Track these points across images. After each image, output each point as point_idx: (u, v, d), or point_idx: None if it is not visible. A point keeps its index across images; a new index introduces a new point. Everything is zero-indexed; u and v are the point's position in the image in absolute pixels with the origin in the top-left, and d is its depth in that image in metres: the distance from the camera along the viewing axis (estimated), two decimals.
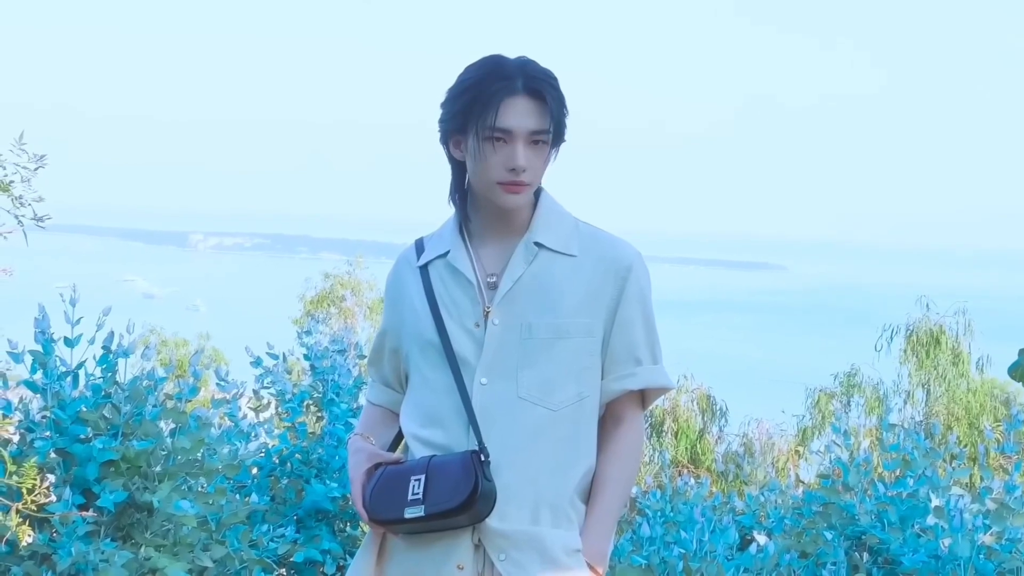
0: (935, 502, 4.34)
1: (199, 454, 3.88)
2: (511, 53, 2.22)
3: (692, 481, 5.21)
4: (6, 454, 3.42)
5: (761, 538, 4.31)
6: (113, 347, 3.81)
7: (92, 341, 3.81)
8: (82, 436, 3.65)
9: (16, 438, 3.72)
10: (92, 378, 3.82)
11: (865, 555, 4.49)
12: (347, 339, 5.17)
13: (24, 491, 3.34)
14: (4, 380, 3.76)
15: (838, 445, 4.93)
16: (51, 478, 3.54)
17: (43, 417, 3.68)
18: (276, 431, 4.77)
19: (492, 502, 2.11)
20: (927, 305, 16.22)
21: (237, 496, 4.21)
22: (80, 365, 3.80)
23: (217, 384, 4.36)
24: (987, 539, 4.16)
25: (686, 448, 14.94)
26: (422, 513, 2.12)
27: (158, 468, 3.74)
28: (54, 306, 3.75)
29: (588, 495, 2.22)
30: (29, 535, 3.55)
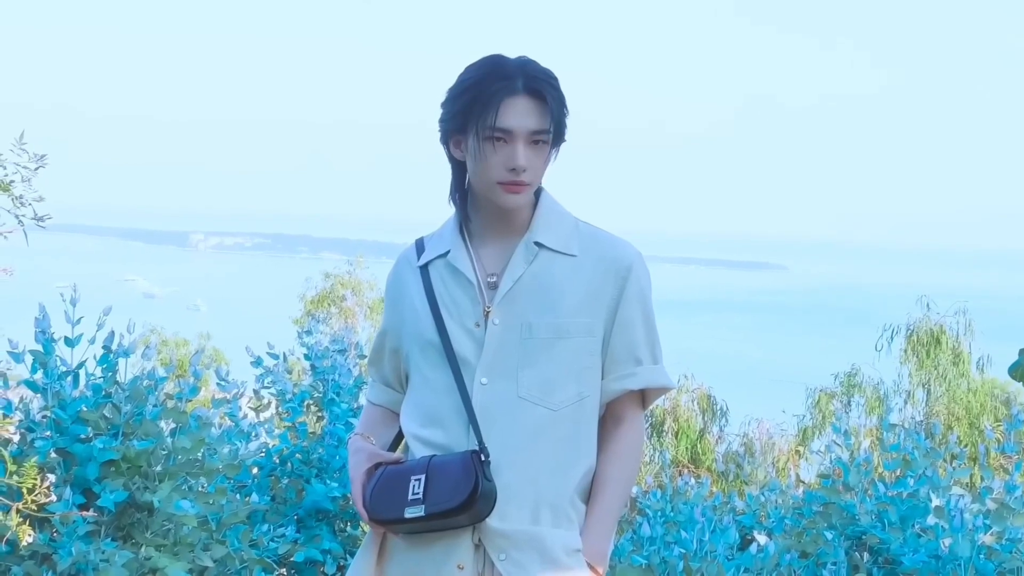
0: (935, 502, 4.34)
1: (199, 454, 3.88)
2: (511, 53, 2.22)
3: (692, 481, 5.21)
4: (6, 454, 3.42)
5: (761, 538, 4.31)
6: (114, 347, 3.81)
7: (92, 341, 3.81)
8: (82, 436, 3.65)
9: (16, 438, 3.72)
10: (92, 378, 3.82)
11: (865, 555, 4.49)
12: (347, 339, 5.17)
13: (24, 491, 3.34)
14: (5, 380, 3.76)
15: (838, 445, 4.93)
16: (51, 478, 3.54)
17: (43, 417, 3.69)
18: (276, 431, 4.77)
19: (492, 502, 2.11)
20: (927, 305, 16.22)
21: (237, 496, 4.21)
22: (80, 365, 3.80)
23: (217, 384, 4.36)
24: (987, 539, 4.16)
25: (686, 448, 14.93)
26: (422, 513, 2.12)
27: (158, 468, 3.74)
28: (54, 306, 3.75)
29: (588, 495, 2.22)
30: (29, 535, 3.55)
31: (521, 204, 2.22)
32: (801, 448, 15.25)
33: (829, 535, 4.46)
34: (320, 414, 4.95)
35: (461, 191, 2.27)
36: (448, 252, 2.26)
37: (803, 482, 7.72)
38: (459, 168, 2.25)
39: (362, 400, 4.75)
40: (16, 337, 3.83)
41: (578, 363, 2.20)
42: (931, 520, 4.28)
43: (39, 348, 3.72)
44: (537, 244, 2.23)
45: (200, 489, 3.93)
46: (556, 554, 2.14)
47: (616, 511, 2.22)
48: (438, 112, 2.22)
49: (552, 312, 2.20)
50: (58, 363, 3.75)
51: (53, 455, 3.63)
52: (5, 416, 3.70)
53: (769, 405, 16.46)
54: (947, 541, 4.14)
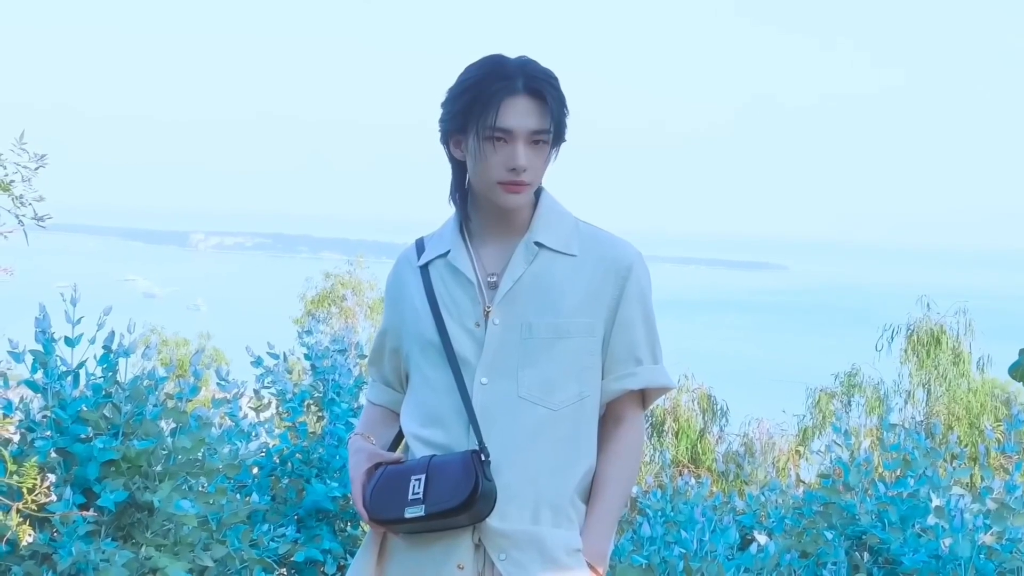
0: (936, 502, 4.34)
1: (200, 454, 3.88)
2: (511, 53, 2.22)
3: (692, 481, 5.21)
4: (7, 453, 3.42)
5: (762, 538, 4.31)
6: (114, 347, 3.81)
7: (93, 341, 3.81)
8: (83, 436, 3.65)
9: (17, 437, 3.72)
10: (93, 378, 3.82)
11: (866, 555, 4.49)
12: (348, 339, 5.16)
13: (25, 491, 3.34)
14: (5, 380, 3.76)
15: (839, 445, 4.93)
16: (52, 478, 3.54)
17: (44, 417, 3.69)
18: (277, 431, 4.77)
19: (492, 502, 2.11)
20: (928, 305, 16.21)
21: (238, 496, 4.21)
22: (81, 365, 3.80)
23: (218, 384, 4.36)
24: (988, 539, 4.16)
25: (687, 448, 14.93)
26: (422, 513, 2.12)
27: (159, 468, 3.74)
28: (55, 306, 3.75)
29: (589, 495, 2.22)
30: (30, 535, 3.55)
31: (521, 204, 2.22)
32: (801, 448, 15.24)
33: (829, 535, 4.46)
34: (320, 414, 4.95)
35: (461, 191, 2.27)
36: (448, 252, 2.26)
37: (803, 482, 7.73)
38: (459, 168, 2.25)
39: (362, 400, 4.75)
40: (16, 337, 3.83)
41: (578, 363, 2.21)
42: (931, 520, 4.28)
43: (39, 348, 3.72)
44: (537, 244, 2.23)
45: (200, 489, 3.93)
46: (556, 554, 2.14)
47: (616, 511, 2.23)
48: (438, 112, 2.22)
49: (552, 312, 2.20)
50: (58, 363, 3.75)
51: (53, 455, 3.63)
52: (5, 416, 3.70)
53: (769, 405, 16.46)
54: (947, 541, 4.14)
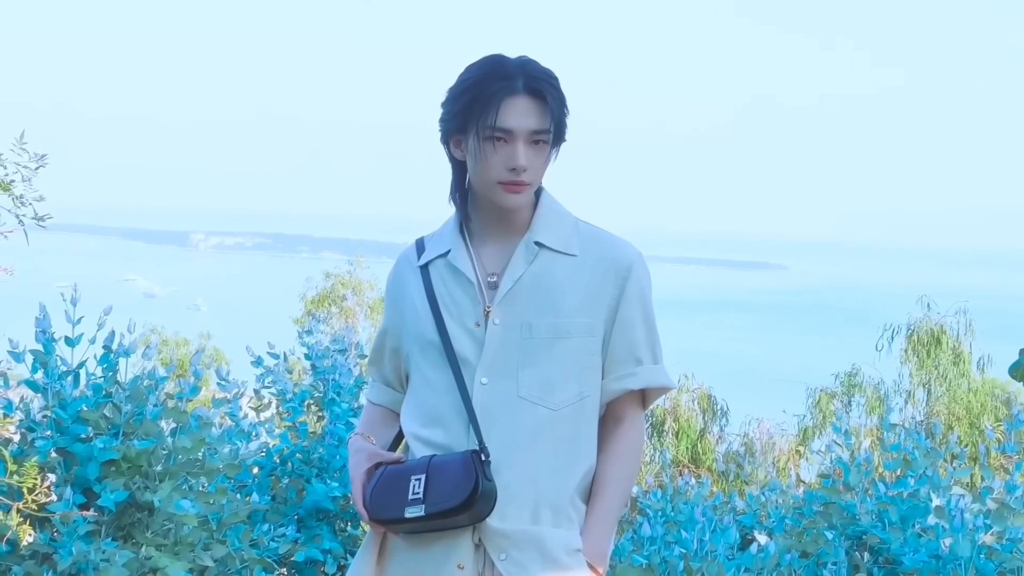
0: (936, 502, 4.34)
1: (200, 453, 3.88)
2: (511, 53, 2.22)
3: (693, 481, 5.21)
4: (7, 453, 3.42)
5: (762, 538, 4.31)
6: (114, 346, 3.81)
7: (93, 340, 3.81)
8: (83, 435, 3.65)
9: (17, 437, 3.72)
10: (93, 377, 3.82)
11: (866, 555, 4.49)
12: (348, 338, 5.16)
13: (25, 490, 3.34)
14: (5, 379, 3.76)
15: (839, 445, 4.93)
16: (52, 477, 3.53)
17: (44, 416, 3.69)
18: (277, 430, 4.77)
19: (492, 502, 2.11)
20: (928, 305, 16.22)
21: (238, 495, 4.21)
22: (81, 364, 3.80)
23: (218, 383, 4.36)
24: (988, 539, 4.16)
25: (687, 448, 14.93)
26: (422, 513, 2.12)
27: (159, 467, 3.74)
28: (55, 305, 3.75)
29: (589, 495, 2.22)
30: (30, 534, 3.55)
31: (521, 204, 2.22)
32: (801, 448, 15.25)
33: (829, 535, 4.46)
34: (320, 414, 4.95)
35: (461, 191, 2.27)
36: (448, 252, 2.26)
37: (803, 482, 7.72)
38: (459, 168, 2.25)
39: (362, 400, 4.75)
40: (17, 337, 3.83)
41: (578, 363, 2.21)
42: (931, 520, 4.28)
43: (39, 348, 3.72)
44: (537, 244, 2.23)
45: (200, 489, 3.93)
46: (556, 554, 2.14)
47: (616, 511, 2.23)
48: (438, 112, 2.22)
49: (552, 312, 2.20)
50: (58, 363, 3.75)
51: (53, 455, 3.63)
52: (6, 416, 3.70)
53: (769, 405, 16.46)
54: (947, 541, 4.14)
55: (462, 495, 2.09)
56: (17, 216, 3.82)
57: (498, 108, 2.13)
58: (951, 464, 5.20)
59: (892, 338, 16.10)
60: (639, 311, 2.25)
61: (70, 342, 3.76)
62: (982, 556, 4.11)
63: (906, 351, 16.13)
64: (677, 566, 4.12)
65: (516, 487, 2.14)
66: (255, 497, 4.19)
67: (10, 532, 3.35)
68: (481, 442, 2.14)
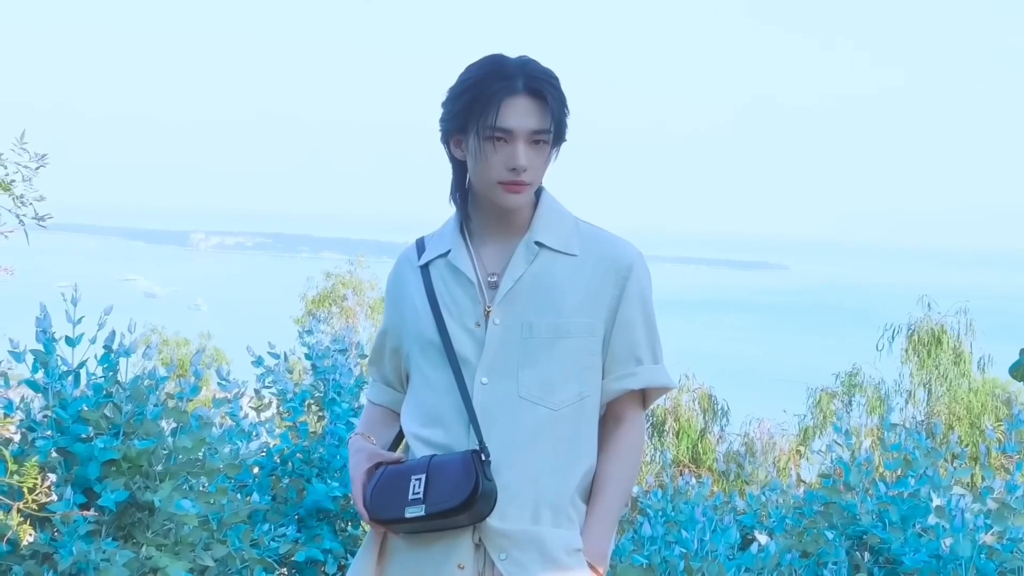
0: (936, 502, 4.33)
1: (200, 453, 3.88)
2: (512, 53, 2.21)
3: (693, 480, 5.21)
4: (7, 453, 3.42)
5: (762, 538, 4.31)
6: (114, 346, 3.81)
7: (93, 340, 3.81)
8: (83, 435, 3.65)
9: (17, 437, 3.72)
10: (93, 377, 3.82)
11: (866, 555, 4.49)
12: (348, 338, 5.16)
13: (25, 490, 3.34)
14: (6, 379, 3.76)
15: (839, 444, 4.93)
16: (52, 477, 3.54)
17: (44, 416, 3.69)
18: (277, 430, 4.77)
19: (493, 502, 2.10)
20: (928, 305, 16.23)
21: (238, 495, 4.21)
22: (81, 364, 3.80)
23: (218, 383, 4.36)
24: (988, 539, 4.16)
25: (687, 447, 14.94)
26: (423, 513, 2.12)
27: (159, 467, 3.74)
28: (55, 305, 3.75)
29: (589, 495, 2.22)
30: (30, 534, 3.55)
31: (521, 204, 2.22)
32: (802, 448, 15.25)
33: (830, 535, 4.46)
34: (321, 414, 4.95)
35: (462, 191, 2.27)
36: (449, 252, 2.26)
37: (804, 482, 7.72)
38: (460, 168, 2.25)
39: (363, 400, 4.75)
40: (17, 337, 3.83)
41: (578, 363, 2.20)
42: (932, 520, 4.28)
43: (40, 348, 3.72)
44: (538, 244, 2.23)
45: (201, 489, 3.93)
46: (556, 554, 2.14)
47: (617, 511, 2.22)
48: (438, 112, 2.22)
49: (553, 312, 2.20)
50: (59, 363, 3.75)
51: (54, 454, 3.63)
52: (6, 415, 3.70)
53: (770, 405, 16.46)
54: (948, 541, 4.14)
55: (462, 495, 2.09)
56: (18, 216, 3.82)
57: (498, 108, 2.13)
58: (952, 464, 5.19)
59: (893, 338, 16.11)
60: (639, 311, 2.25)
61: (71, 342, 3.76)
62: (983, 556, 4.11)
63: (907, 351, 16.14)
64: (677, 566, 4.12)
65: (516, 487, 2.14)
66: (255, 497, 4.19)
67: (10, 532, 3.35)
68: (481, 442, 2.14)
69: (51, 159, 3.84)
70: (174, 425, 3.83)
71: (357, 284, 23.88)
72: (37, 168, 3.81)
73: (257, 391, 4.87)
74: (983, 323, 16.68)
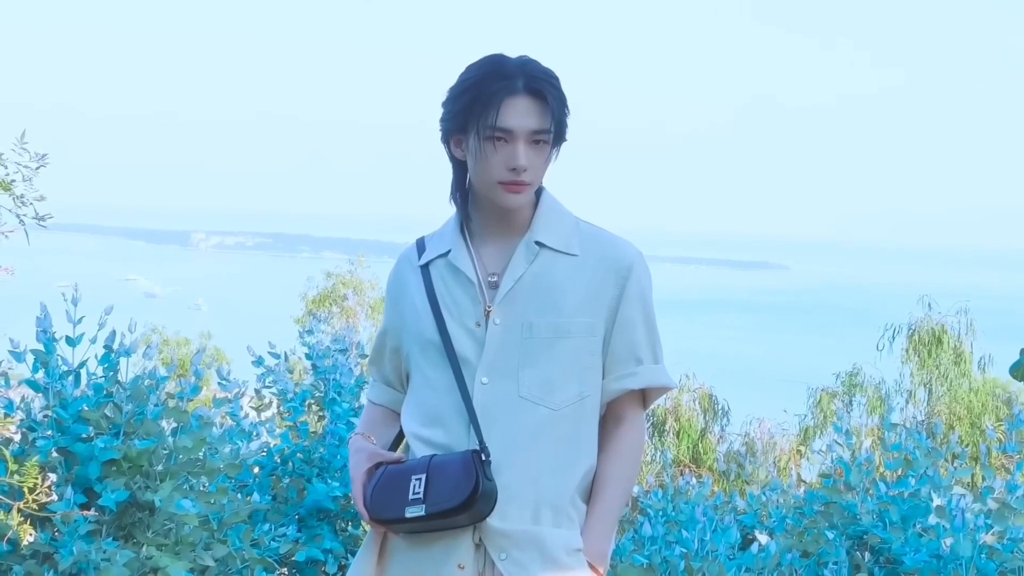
0: (937, 502, 4.33)
1: (201, 453, 3.88)
2: (512, 53, 2.21)
3: (694, 480, 5.20)
4: (8, 453, 3.42)
5: (763, 537, 4.31)
6: (115, 346, 3.81)
7: (94, 340, 3.81)
8: (84, 435, 3.65)
9: (18, 437, 3.72)
10: (94, 377, 3.82)
11: (867, 554, 4.49)
12: (349, 338, 5.16)
13: (26, 490, 3.34)
14: (6, 379, 3.76)
15: (840, 444, 4.93)
16: (53, 477, 3.54)
17: (45, 416, 3.69)
18: (278, 430, 4.77)
19: (493, 501, 2.10)
20: (929, 305, 16.23)
21: (239, 495, 4.21)
22: (82, 364, 3.80)
23: (219, 383, 4.36)
24: (989, 539, 4.16)
25: (688, 447, 14.94)
26: (423, 512, 2.12)
27: (160, 467, 3.74)
28: (56, 305, 3.75)
29: (589, 495, 2.22)
30: (31, 534, 3.56)
31: (522, 204, 2.22)
32: (802, 448, 15.25)
33: (830, 535, 4.46)
34: (321, 413, 4.95)
35: (462, 190, 2.27)
36: (449, 251, 2.26)
37: (804, 481, 7.72)
38: (460, 167, 2.25)
39: (363, 400, 4.75)
40: (17, 336, 3.83)
41: (579, 363, 2.20)
42: (932, 520, 4.28)
43: (40, 347, 3.72)
44: (538, 244, 2.23)
45: (201, 488, 3.93)
46: (557, 554, 2.14)
47: (617, 511, 2.22)
48: (438, 112, 2.22)
49: (553, 312, 2.20)
50: (59, 362, 3.75)
51: (54, 454, 3.63)
52: (7, 415, 3.70)
53: (770, 404, 16.46)
54: (948, 541, 4.14)
55: (462, 495, 2.09)
56: (18, 216, 3.82)
57: (498, 108, 2.13)
58: (952, 464, 5.19)
59: (893, 338, 16.11)
60: (639, 311, 2.25)
61: (71, 342, 3.76)
62: (983, 556, 4.11)
63: (907, 351, 16.14)
64: (678, 566, 4.12)
65: (516, 487, 2.14)
66: (256, 497, 4.19)
67: (11, 532, 3.35)
68: (481, 442, 2.14)
69: (51, 159, 3.84)
70: (174, 425, 3.83)
71: (357, 284, 23.89)
72: (37, 168, 3.81)
73: (257, 391, 4.87)
74: (983, 323, 16.69)
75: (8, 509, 3.35)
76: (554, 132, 2.18)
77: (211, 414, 4.00)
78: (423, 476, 2.14)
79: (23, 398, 3.80)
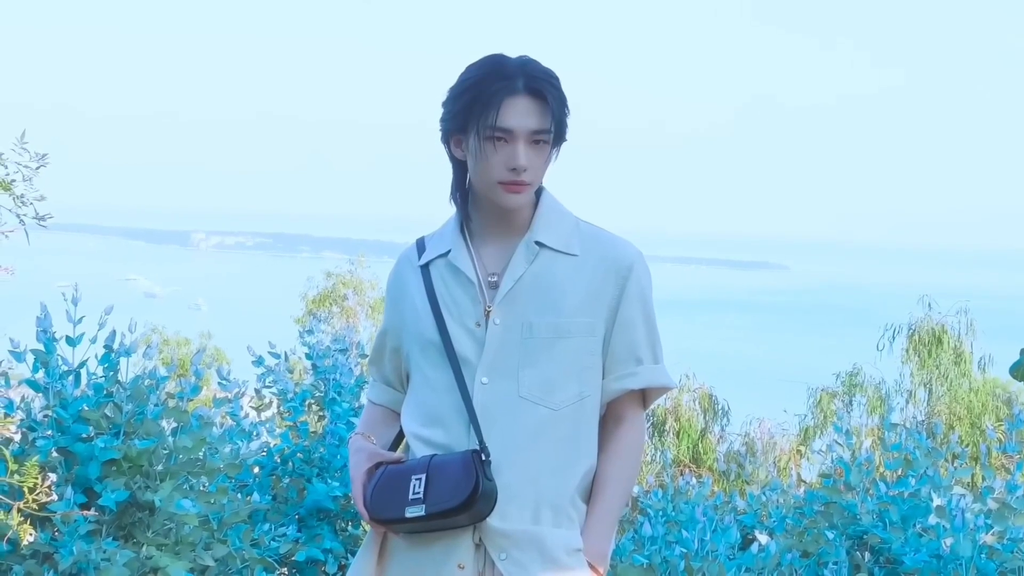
0: (937, 502, 4.33)
1: (201, 453, 3.88)
2: (512, 53, 2.21)
3: (694, 480, 5.20)
4: (8, 453, 3.43)
5: (763, 537, 4.31)
6: (115, 346, 3.81)
7: (94, 340, 3.81)
8: (84, 435, 3.65)
9: (18, 437, 3.73)
10: (94, 377, 3.82)
11: (867, 554, 4.49)
12: (349, 338, 5.16)
13: (26, 490, 3.34)
14: (6, 379, 3.76)
15: (840, 444, 4.93)
16: (53, 477, 3.54)
17: (45, 416, 3.69)
18: (278, 430, 4.77)
19: (493, 501, 2.10)
20: (929, 304, 16.23)
21: (239, 495, 4.21)
22: (82, 364, 3.80)
23: (219, 383, 4.36)
24: (989, 539, 4.16)
25: (688, 447, 14.94)
26: (423, 512, 2.12)
27: (160, 467, 3.74)
28: (56, 305, 3.75)
29: (589, 495, 2.22)
30: (31, 534, 3.56)
31: (522, 204, 2.22)
32: (802, 447, 15.25)
33: (830, 535, 4.46)
34: (321, 413, 4.95)
35: (462, 190, 2.27)
36: (449, 251, 2.26)
37: (804, 481, 7.72)
38: (460, 167, 2.25)
39: (363, 399, 4.75)
40: (18, 336, 3.83)
41: (579, 363, 2.20)
42: (932, 520, 4.28)
43: (40, 347, 3.72)
44: (538, 244, 2.23)
45: (201, 488, 3.93)
46: (557, 554, 2.13)
47: (617, 511, 2.22)
48: (438, 112, 2.22)
49: (553, 312, 2.20)
50: (59, 362, 3.75)
51: (54, 454, 3.63)
52: (7, 415, 3.70)
53: (770, 404, 16.46)
54: (948, 541, 4.14)
55: (462, 495, 2.09)
56: (18, 216, 3.82)
57: (498, 108, 2.13)
58: (952, 464, 5.19)
59: (893, 338, 16.12)
60: (639, 311, 2.25)
61: (71, 342, 3.76)
62: (983, 556, 4.11)
63: (907, 351, 16.15)
64: (678, 566, 4.11)
65: (516, 487, 2.14)
66: (256, 497, 4.19)
67: (11, 531, 3.35)
68: (481, 442, 2.14)
69: (51, 159, 3.84)
70: (174, 425, 3.83)
71: (357, 284, 23.89)
72: (37, 168, 3.81)
73: (257, 391, 4.87)
74: (983, 323, 16.69)
75: (8, 509, 3.35)
76: (554, 132, 2.18)
77: (211, 414, 4.00)
78: (423, 476, 2.14)
79: (23, 398, 3.80)
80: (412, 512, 2.13)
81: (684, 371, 15.63)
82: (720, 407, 15.66)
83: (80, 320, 3.75)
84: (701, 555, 4.14)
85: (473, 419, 2.16)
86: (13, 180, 3.79)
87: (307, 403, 4.93)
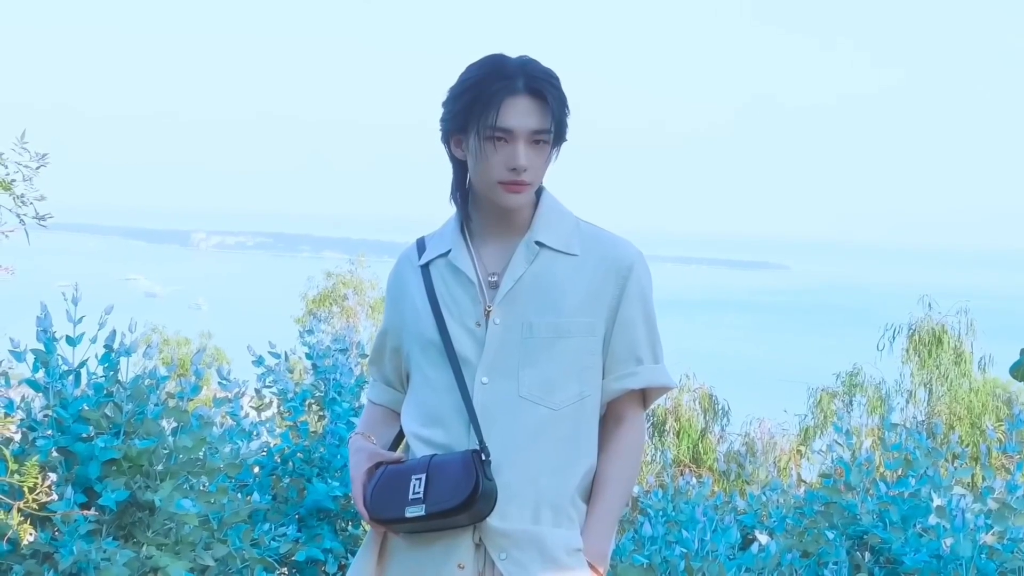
0: (937, 502, 4.33)
1: (201, 453, 3.88)
2: (512, 53, 2.21)
3: (694, 480, 5.20)
4: (8, 453, 3.43)
5: (763, 537, 4.31)
6: (115, 346, 3.81)
7: (94, 340, 3.81)
8: (84, 435, 3.65)
9: (18, 437, 3.73)
10: (94, 377, 3.82)
11: (867, 555, 4.49)
12: (349, 338, 5.16)
13: (26, 490, 3.34)
14: (6, 379, 3.76)
15: (840, 444, 4.93)
16: (53, 477, 3.54)
17: (45, 416, 3.69)
18: (278, 430, 4.77)
19: (493, 501, 2.11)
20: (929, 305, 16.23)
21: (239, 495, 4.21)
22: (82, 364, 3.80)
23: (219, 383, 4.36)
24: (989, 539, 4.16)
25: (688, 447, 14.94)
26: (423, 512, 2.12)
27: (160, 467, 3.74)
28: (56, 305, 3.75)
29: (589, 494, 2.22)
30: (31, 534, 3.56)
31: (522, 204, 2.22)
32: (803, 448, 15.25)
33: (830, 535, 4.46)
34: (321, 413, 4.95)
35: (462, 190, 2.27)
36: (449, 251, 2.26)
37: (804, 481, 7.72)
38: (460, 167, 2.25)
39: (363, 399, 4.75)
40: (18, 336, 3.83)
41: (579, 362, 2.20)
42: (933, 520, 4.28)
43: (41, 347, 3.73)
44: (538, 243, 2.23)
45: (201, 488, 3.93)
46: (557, 554, 2.14)
47: (617, 511, 2.22)
48: (439, 111, 2.22)
49: (553, 312, 2.20)
50: (60, 362, 3.75)
51: (55, 454, 3.63)
52: (7, 415, 3.70)
53: (771, 404, 16.46)
54: (948, 541, 4.14)
55: (462, 495, 2.09)
56: (18, 215, 3.82)
57: (499, 108, 2.13)
58: (952, 464, 5.19)
59: (893, 338, 16.12)
60: (640, 311, 2.25)
61: (71, 341, 3.76)
62: (983, 556, 4.11)
63: (907, 351, 16.15)
64: (678, 566, 4.12)
65: (516, 487, 2.14)
66: (256, 496, 4.19)
67: (11, 531, 3.35)
68: (481, 442, 2.14)
69: (51, 159, 3.84)
70: (175, 424, 3.83)
71: (358, 284, 23.89)
72: (38, 168, 3.81)
73: (258, 391, 4.87)
74: (984, 323, 16.69)
75: (8, 509, 3.35)
76: (554, 132, 2.18)
77: (211, 414, 4.00)
78: (423, 476, 2.14)
79: (23, 398, 3.80)
80: (412, 512, 2.13)
81: (684, 371, 15.63)
82: (720, 407, 15.66)
83: (80, 320, 3.75)
84: (701, 555, 4.14)
85: (473, 419, 2.16)
86: (13, 180, 3.79)
87: (307, 403, 4.93)
